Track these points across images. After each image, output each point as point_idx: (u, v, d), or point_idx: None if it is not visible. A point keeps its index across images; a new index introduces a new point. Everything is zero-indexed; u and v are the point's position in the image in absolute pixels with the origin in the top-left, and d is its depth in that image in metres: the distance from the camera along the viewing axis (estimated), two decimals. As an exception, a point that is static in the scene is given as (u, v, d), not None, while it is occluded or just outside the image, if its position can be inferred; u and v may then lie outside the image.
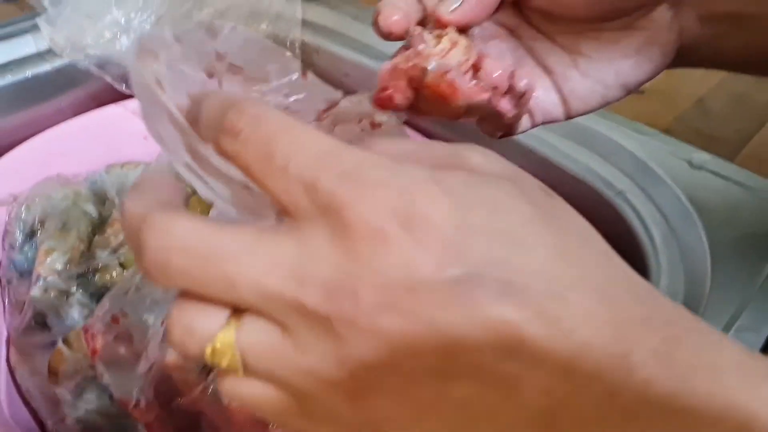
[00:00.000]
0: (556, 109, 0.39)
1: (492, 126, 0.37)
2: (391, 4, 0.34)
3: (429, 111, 0.35)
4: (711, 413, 0.19)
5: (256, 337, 0.21)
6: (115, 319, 0.48)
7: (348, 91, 0.33)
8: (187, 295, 0.21)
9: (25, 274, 0.57)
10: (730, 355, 0.20)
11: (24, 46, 0.69)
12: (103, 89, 0.69)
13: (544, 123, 0.39)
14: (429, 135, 0.69)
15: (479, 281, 0.19)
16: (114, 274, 0.54)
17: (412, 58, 0.33)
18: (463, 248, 0.19)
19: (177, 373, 0.43)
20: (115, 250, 0.56)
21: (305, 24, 0.76)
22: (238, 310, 0.21)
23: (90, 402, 0.50)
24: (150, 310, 0.48)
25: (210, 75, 0.24)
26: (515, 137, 0.39)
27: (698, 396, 0.19)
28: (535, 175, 0.23)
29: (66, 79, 0.69)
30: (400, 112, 0.34)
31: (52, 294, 0.54)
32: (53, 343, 0.51)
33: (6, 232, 0.61)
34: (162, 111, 0.22)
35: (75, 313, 0.53)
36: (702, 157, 0.57)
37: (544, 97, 0.39)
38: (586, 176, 0.58)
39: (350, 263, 0.19)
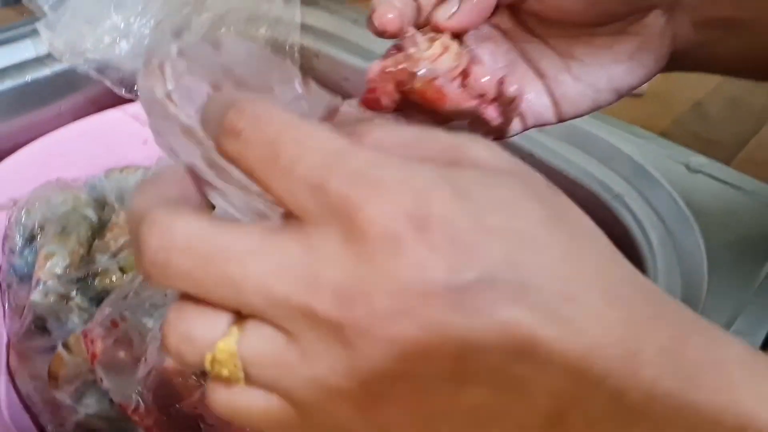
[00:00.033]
0: (548, 112, 0.39)
1: (481, 130, 0.37)
2: (386, 2, 0.34)
3: (416, 114, 0.35)
4: (716, 410, 0.19)
5: (259, 345, 0.20)
6: (114, 324, 0.48)
7: (348, 96, 0.33)
8: (187, 298, 0.20)
9: (25, 278, 0.57)
10: (735, 352, 0.20)
11: (24, 50, 0.69)
12: (102, 94, 0.69)
13: (535, 126, 0.39)
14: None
15: (493, 284, 0.19)
16: (114, 278, 0.55)
17: (402, 61, 0.33)
18: (477, 251, 0.19)
19: (176, 378, 0.43)
20: (114, 255, 0.56)
21: (304, 28, 0.76)
22: (240, 316, 0.20)
23: (90, 406, 0.50)
24: (149, 314, 0.48)
25: (216, 89, 0.24)
26: (512, 139, 0.40)
27: (704, 393, 0.19)
28: (533, 178, 0.23)
29: (65, 83, 0.70)
30: (386, 114, 0.34)
31: (52, 298, 0.54)
32: (53, 348, 0.52)
33: (6, 236, 0.61)
34: (174, 124, 0.23)
35: (75, 318, 0.53)
36: (699, 160, 0.58)
37: (535, 101, 0.39)
38: (583, 180, 0.58)
39: (363, 268, 0.19)
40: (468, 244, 0.19)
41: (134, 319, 0.48)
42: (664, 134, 0.65)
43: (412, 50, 0.33)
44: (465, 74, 0.35)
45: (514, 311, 0.19)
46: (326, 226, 0.19)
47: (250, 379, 0.20)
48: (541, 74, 0.39)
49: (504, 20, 0.39)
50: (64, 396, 0.50)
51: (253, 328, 0.20)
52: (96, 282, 0.55)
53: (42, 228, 0.59)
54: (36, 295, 0.54)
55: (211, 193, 0.24)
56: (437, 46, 0.34)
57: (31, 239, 0.59)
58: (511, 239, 0.19)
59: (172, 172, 0.23)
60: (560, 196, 0.22)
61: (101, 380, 0.47)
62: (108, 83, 0.67)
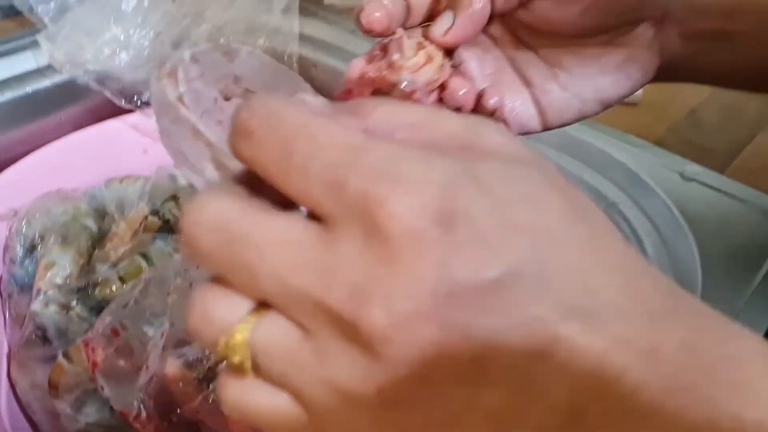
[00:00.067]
0: (532, 121, 0.39)
1: None
2: (375, 1, 0.34)
3: None
4: (735, 405, 0.18)
5: (272, 336, 0.19)
6: (115, 332, 0.48)
7: None
8: (216, 280, 0.20)
9: (26, 288, 0.57)
10: (753, 347, 0.20)
11: (24, 62, 0.69)
12: (102, 104, 0.69)
13: (519, 134, 0.39)
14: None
15: (517, 282, 0.18)
16: (114, 287, 0.55)
17: (383, 69, 0.33)
18: (501, 248, 0.18)
19: (177, 385, 0.43)
20: (114, 264, 0.57)
21: (303, 38, 0.77)
22: (263, 306, 0.19)
23: (90, 415, 0.51)
24: (150, 322, 0.49)
25: (226, 98, 0.25)
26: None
27: (723, 388, 0.19)
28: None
29: (65, 94, 0.70)
30: None
31: (53, 308, 0.54)
32: (54, 357, 0.52)
33: (6, 246, 0.61)
34: (186, 127, 0.23)
35: (75, 327, 0.53)
36: (693, 169, 0.58)
37: (521, 109, 0.39)
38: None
39: (383, 268, 0.18)
40: (493, 241, 0.18)
41: (134, 327, 0.48)
42: (659, 142, 0.66)
43: (395, 57, 0.33)
44: (443, 87, 0.34)
45: (537, 309, 0.18)
46: (346, 225, 0.18)
47: (259, 371, 0.20)
48: (528, 82, 0.39)
49: (494, 27, 0.39)
50: (64, 405, 0.50)
51: (270, 318, 0.19)
52: (96, 291, 0.55)
53: (42, 238, 0.59)
54: (36, 305, 0.54)
55: None
56: (421, 56, 0.34)
57: (31, 249, 0.59)
58: (535, 235, 0.19)
59: None
60: (574, 186, 0.21)
61: (102, 388, 0.48)
62: (108, 94, 0.68)
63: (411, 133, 0.20)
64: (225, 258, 0.19)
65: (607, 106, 0.40)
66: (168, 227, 0.63)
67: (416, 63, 0.33)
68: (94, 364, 0.48)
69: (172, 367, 0.43)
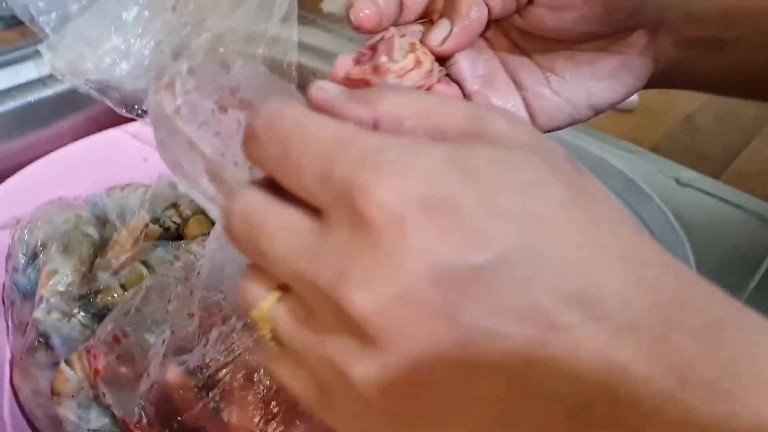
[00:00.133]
0: None
1: None
2: None
3: None
4: (756, 399, 0.18)
5: (285, 314, 0.21)
6: (116, 339, 0.48)
7: None
8: (253, 263, 0.22)
9: (28, 295, 0.58)
10: None
11: (26, 72, 0.70)
12: (103, 113, 0.70)
13: None
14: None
15: (506, 268, 0.18)
16: (115, 295, 0.55)
17: (368, 72, 0.32)
18: (488, 234, 0.18)
19: (178, 392, 0.44)
20: (116, 272, 0.57)
21: (302, 46, 0.77)
22: (286, 287, 0.21)
23: (92, 422, 0.51)
24: (150, 330, 0.49)
25: (223, 109, 0.25)
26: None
27: (742, 382, 0.18)
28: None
29: (67, 103, 0.71)
30: None
31: (55, 315, 0.54)
32: (56, 364, 0.52)
33: (9, 254, 0.61)
34: (182, 139, 0.24)
35: (77, 334, 0.54)
36: (689, 174, 0.59)
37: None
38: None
39: (368, 252, 0.18)
40: (478, 227, 0.18)
41: (136, 335, 0.49)
42: (655, 148, 0.66)
43: (382, 59, 0.32)
44: (429, 90, 0.34)
45: (530, 296, 0.18)
46: (336, 213, 0.19)
47: (281, 344, 0.22)
48: (519, 85, 0.39)
49: (488, 30, 0.39)
50: (66, 412, 0.51)
51: (287, 297, 0.21)
52: (98, 299, 0.55)
53: (44, 246, 0.60)
54: (39, 313, 0.54)
55: (211, 207, 0.25)
56: (410, 60, 0.33)
57: (33, 257, 0.60)
58: (526, 222, 0.19)
59: None
60: (584, 175, 0.21)
61: (103, 395, 0.48)
62: (109, 103, 0.68)
63: (419, 120, 0.21)
64: (248, 244, 0.21)
65: (599, 111, 0.40)
66: (168, 235, 0.63)
67: (403, 67, 0.32)
68: (96, 371, 0.48)
69: (173, 374, 0.43)
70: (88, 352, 0.49)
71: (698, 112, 0.85)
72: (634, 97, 0.82)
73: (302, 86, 0.71)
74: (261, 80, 0.27)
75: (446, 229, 0.18)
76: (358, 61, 0.34)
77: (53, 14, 0.68)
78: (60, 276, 0.57)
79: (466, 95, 0.38)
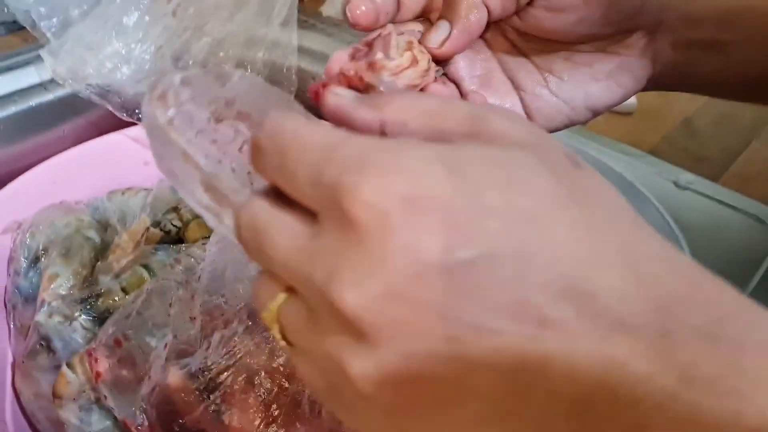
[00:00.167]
0: None
1: None
2: None
3: None
4: (761, 398, 0.17)
5: (290, 314, 0.22)
6: (118, 343, 0.49)
7: None
8: None
9: (30, 299, 0.58)
10: None
11: (27, 76, 0.70)
12: (104, 117, 0.70)
13: None
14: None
15: (493, 263, 0.18)
16: (116, 298, 0.55)
17: (362, 70, 0.31)
18: (473, 230, 0.18)
19: (179, 395, 0.44)
20: (117, 276, 0.57)
21: (301, 51, 0.78)
22: (293, 289, 0.22)
23: (93, 424, 0.51)
24: (151, 333, 0.49)
25: (218, 120, 0.26)
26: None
27: (747, 379, 0.17)
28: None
29: (68, 108, 0.71)
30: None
31: (56, 319, 0.54)
32: (57, 367, 0.52)
33: (11, 258, 0.61)
34: (176, 150, 0.24)
35: (78, 338, 0.54)
36: (687, 177, 0.59)
37: None
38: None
39: (355, 251, 0.19)
40: (464, 222, 0.18)
41: (137, 338, 0.49)
42: (654, 151, 0.66)
43: (378, 56, 0.32)
44: (423, 91, 0.33)
45: (519, 291, 0.18)
46: (327, 215, 0.20)
47: (290, 344, 0.22)
48: (517, 86, 0.39)
49: (487, 31, 0.38)
50: (68, 415, 0.51)
51: (293, 298, 0.22)
52: (99, 302, 0.56)
53: (46, 250, 0.60)
54: (40, 316, 0.54)
55: (206, 215, 0.25)
56: (406, 58, 0.32)
57: (35, 261, 0.60)
58: (513, 218, 0.19)
59: None
60: (581, 168, 0.21)
61: (105, 398, 0.48)
62: (109, 107, 0.68)
63: (422, 122, 0.22)
64: (255, 250, 0.22)
65: (597, 113, 0.40)
66: (169, 238, 0.63)
67: (399, 65, 0.32)
68: (98, 374, 0.48)
69: (175, 377, 0.44)
70: (90, 355, 0.49)
71: (697, 114, 0.85)
72: (633, 100, 0.83)
73: (302, 90, 0.71)
74: (258, 91, 0.27)
75: (431, 225, 0.18)
76: (353, 57, 0.33)
77: (54, 19, 0.69)
78: (61, 279, 0.57)
79: (463, 95, 0.38)
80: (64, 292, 0.56)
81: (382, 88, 0.30)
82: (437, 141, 0.21)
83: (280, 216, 0.22)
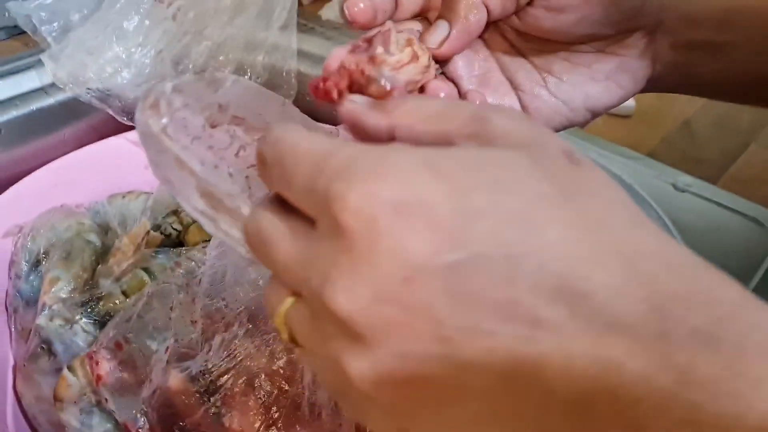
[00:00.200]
0: None
1: None
2: None
3: None
4: (763, 399, 0.17)
5: (297, 317, 0.22)
6: (118, 346, 0.49)
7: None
8: None
9: (31, 302, 0.58)
10: None
11: (28, 81, 0.70)
12: (104, 121, 0.70)
13: None
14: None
15: (483, 265, 0.18)
16: (117, 301, 0.55)
17: (363, 63, 0.31)
18: (462, 232, 0.18)
19: (180, 398, 0.44)
20: (117, 279, 0.57)
21: (301, 54, 0.78)
22: (299, 293, 0.22)
23: (94, 427, 0.51)
24: (152, 336, 0.49)
25: (213, 126, 0.26)
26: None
27: (749, 380, 0.17)
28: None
29: (68, 112, 0.71)
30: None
31: (57, 322, 0.55)
32: (58, 370, 0.52)
33: (12, 262, 0.62)
34: (170, 157, 0.24)
35: (79, 341, 0.54)
36: (686, 180, 0.59)
37: None
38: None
39: (345, 257, 0.19)
40: (453, 225, 0.19)
41: (137, 341, 0.49)
42: (652, 153, 0.67)
43: (378, 51, 0.31)
44: (422, 88, 0.33)
45: (510, 292, 0.18)
46: (321, 222, 0.21)
47: (299, 346, 0.23)
48: (516, 86, 0.39)
49: (486, 31, 0.38)
50: (69, 418, 0.51)
51: (298, 303, 0.22)
52: (100, 305, 0.56)
53: (47, 253, 0.60)
54: (41, 319, 0.55)
55: (203, 221, 0.25)
56: (406, 54, 0.32)
57: (36, 264, 0.60)
58: (503, 219, 0.19)
59: None
60: (578, 166, 0.21)
61: (106, 401, 0.49)
62: (110, 111, 0.69)
63: (428, 124, 0.22)
64: (262, 256, 0.23)
65: (596, 114, 0.40)
66: (169, 242, 0.64)
67: (399, 60, 0.32)
68: (98, 377, 0.48)
69: (176, 380, 0.44)
70: (91, 358, 0.49)
71: (695, 117, 0.85)
72: (632, 102, 0.83)
73: (302, 93, 0.71)
74: (251, 95, 0.27)
75: (418, 228, 0.19)
76: (352, 53, 0.33)
77: (55, 24, 0.69)
78: (62, 283, 0.57)
79: (461, 94, 0.38)
80: (65, 296, 0.57)
81: (383, 82, 0.30)
82: (441, 143, 0.22)
83: (283, 223, 0.23)
